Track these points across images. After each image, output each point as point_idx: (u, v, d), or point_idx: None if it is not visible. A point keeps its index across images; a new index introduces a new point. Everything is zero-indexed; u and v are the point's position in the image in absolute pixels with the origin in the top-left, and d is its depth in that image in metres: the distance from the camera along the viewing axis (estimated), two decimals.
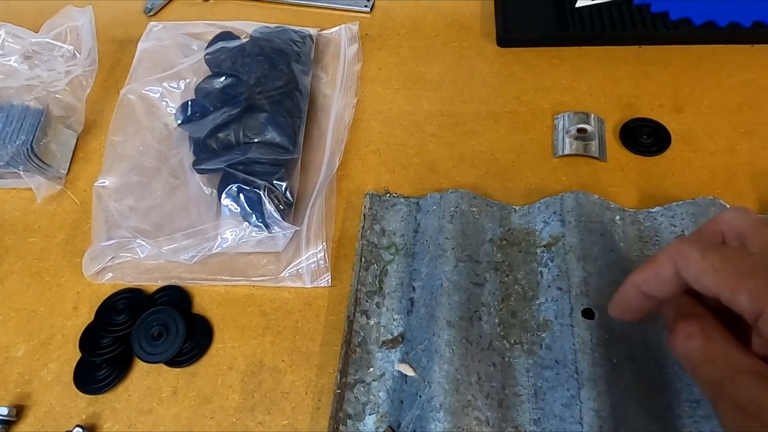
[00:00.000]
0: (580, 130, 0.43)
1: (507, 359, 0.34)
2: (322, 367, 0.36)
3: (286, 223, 0.39)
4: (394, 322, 0.36)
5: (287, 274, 0.39)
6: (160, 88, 0.48)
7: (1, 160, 0.43)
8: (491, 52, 0.50)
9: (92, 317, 0.39)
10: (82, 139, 0.49)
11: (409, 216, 0.41)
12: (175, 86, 0.48)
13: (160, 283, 0.40)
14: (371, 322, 0.36)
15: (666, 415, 0.31)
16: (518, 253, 0.38)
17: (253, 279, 0.40)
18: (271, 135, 0.42)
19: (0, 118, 0.45)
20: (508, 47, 0.50)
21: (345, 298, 0.38)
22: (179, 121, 0.45)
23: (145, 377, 0.37)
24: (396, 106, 0.48)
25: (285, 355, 0.37)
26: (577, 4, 0.50)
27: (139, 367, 0.37)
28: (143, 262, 0.41)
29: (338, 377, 0.34)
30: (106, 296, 0.40)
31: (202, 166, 0.42)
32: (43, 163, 0.45)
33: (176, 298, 0.40)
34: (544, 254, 0.37)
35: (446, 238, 0.37)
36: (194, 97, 0.47)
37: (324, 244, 0.40)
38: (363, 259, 0.38)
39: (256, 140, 0.42)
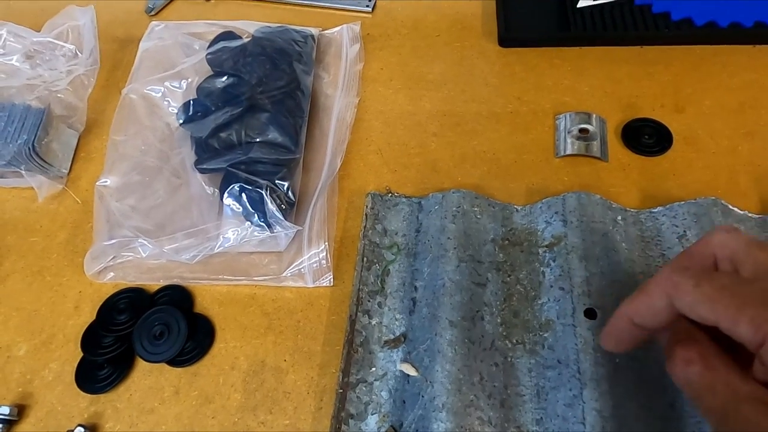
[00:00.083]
0: (581, 131, 0.43)
1: (509, 359, 0.34)
2: (324, 366, 0.36)
3: (288, 223, 0.39)
4: (396, 322, 0.36)
5: (289, 274, 0.39)
6: (162, 88, 0.48)
7: (3, 160, 0.43)
8: (493, 52, 0.50)
9: (94, 317, 0.39)
10: (83, 138, 0.49)
11: (411, 216, 0.41)
12: (177, 86, 0.48)
13: (162, 283, 0.40)
14: (373, 322, 0.36)
15: (668, 415, 0.31)
16: (520, 253, 0.38)
17: (255, 279, 0.40)
18: (273, 135, 0.42)
19: (2, 118, 0.45)
20: (509, 47, 0.50)
21: (347, 297, 0.38)
22: (181, 121, 0.46)
23: (147, 377, 0.37)
24: (398, 106, 0.48)
25: (287, 354, 0.37)
26: (579, 5, 0.50)
27: (141, 366, 0.37)
28: (145, 262, 0.41)
29: (340, 377, 0.34)
30: (108, 296, 0.40)
31: (204, 166, 0.42)
32: (45, 162, 0.45)
33: (178, 297, 0.40)
34: (546, 254, 0.37)
35: (448, 238, 0.37)
36: (196, 96, 0.47)
37: (326, 243, 0.40)
38: (365, 259, 0.38)
39: (258, 140, 0.42)
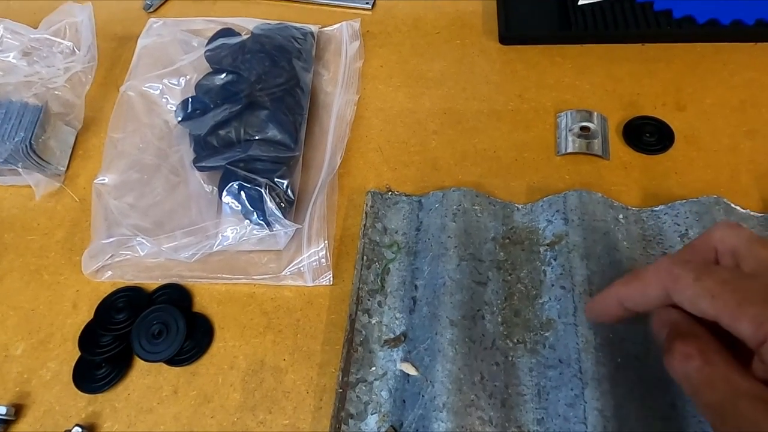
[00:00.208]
0: (583, 129, 0.43)
1: (510, 358, 0.34)
2: (324, 366, 0.36)
3: (287, 221, 0.39)
4: (397, 321, 0.36)
5: (288, 273, 0.39)
6: (160, 85, 0.48)
7: (0, 157, 0.43)
8: (493, 50, 0.50)
9: (92, 315, 0.39)
10: (81, 136, 0.49)
11: (411, 214, 0.40)
12: (176, 83, 0.48)
13: (161, 282, 0.40)
14: (373, 321, 0.36)
15: (670, 414, 0.31)
16: (521, 251, 0.38)
17: (254, 277, 0.39)
18: (272, 132, 0.42)
19: None
20: (510, 45, 0.50)
21: (347, 296, 0.38)
22: (179, 118, 0.45)
23: (145, 376, 0.37)
24: (398, 104, 0.48)
25: (286, 354, 0.37)
26: (580, 2, 0.50)
27: (139, 366, 0.37)
28: (143, 260, 0.41)
29: (340, 376, 0.34)
30: (106, 294, 0.40)
31: (203, 164, 0.42)
32: (42, 160, 0.44)
33: (176, 296, 0.39)
34: (548, 253, 0.37)
35: (449, 237, 0.37)
36: (195, 94, 0.46)
37: (325, 242, 0.39)
38: (365, 258, 0.38)
39: (257, 137, 0.42)
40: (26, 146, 0.43)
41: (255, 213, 0.39)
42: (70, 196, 0.45)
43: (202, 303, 0.39)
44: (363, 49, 0.51)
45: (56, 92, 0.48)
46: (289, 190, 0.40)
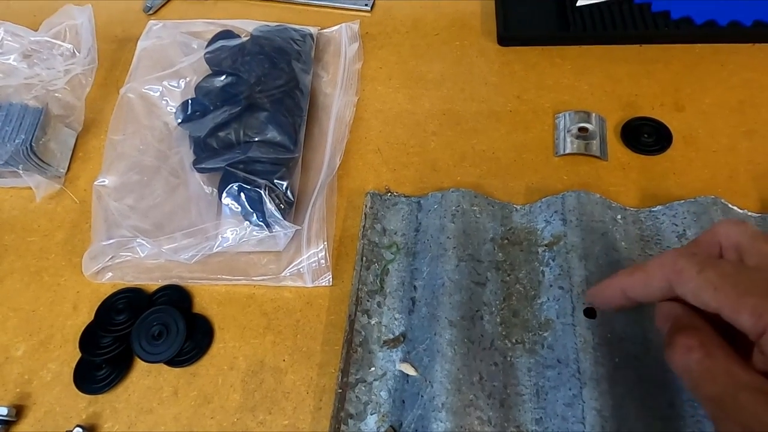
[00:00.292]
0: (581, 129, 0.43)
1: (509, 359, 0.34)
2: (324, 366, 0.36)
3: (286, 222, 0.39)
4: (396, 322, 0.36)
5: (288, 274, 0.39)
6: (160, 87, 0.48)
7: (1, 159, 0.43)
8: (492, 51, 0.50)
9: (92, 317, 0.39)
10: (81, 138, 0.49)
11: (410, 215, 0.41)
12: (175, 85, 0.48)
13: (161, 283, 0.40)
14: (372, 322, 0.36)
15: (668, 414, 0.31)
16: (520, 252, 0.38)
17: (254, 278, 0.39)
18: (272, 134, 0.42)
19: None
20: (509, 46, 0.50)
21: (346, 297, 0.38)
22: (179, 120, 0.45)
23: (146, 377, 0.37)
24: (397, 105, 0.48)
25: (286, 354, 0.37)
26: (578, 3, 0.50)
27: (140, 366, 0.37)
28: (143, 262, 0.41)
29: (339, 377, 0.34)
30: (106, 296, 0.40)
31: (203, 165, 0.42)
32: (43, 162, 0.45)
33: (176, 297, 0.39)
34: (546, 253, 0.37)
35: (447, 237, 0.37)
36: (194, 95, 0.47)
37: (325, 243, 0.40)
38: (364, 259, 0.38)
39: (256, 139, 0.42)
40: (27, 148, 0.43)
41: (254, 214, 0.39)
42: (71, 198, 0.46)
43: (202, 304, 0.39)
44: (362, 50, 0.52)
45: (56, 94, 0.48)
46: (288, 192, 0.41)
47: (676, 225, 0.37)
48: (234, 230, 0.40)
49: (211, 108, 0.44)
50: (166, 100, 0.48)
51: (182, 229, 0.41)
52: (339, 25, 0.53)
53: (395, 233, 0.40)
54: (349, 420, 0.33)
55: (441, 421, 0.30)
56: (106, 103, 0.51)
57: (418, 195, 0.42)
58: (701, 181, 0.41)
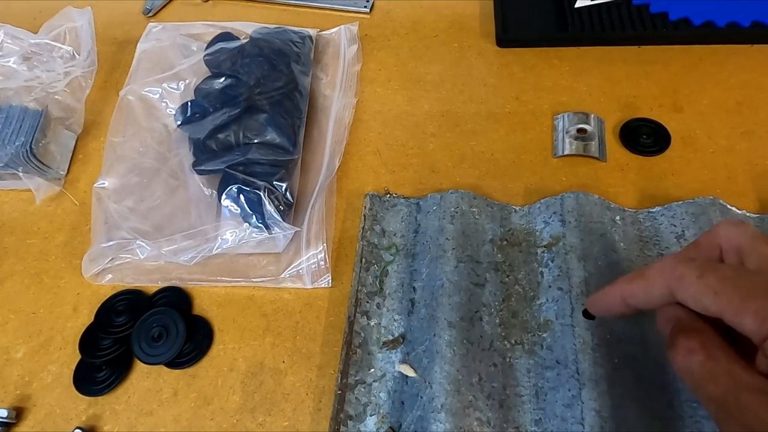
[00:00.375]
0: (579, 131, 0.43)
1: (508, 360, 0.34)
2: (323, 368, 0.36)
3: (286, 224, 0.39)
4: (395, 323, 0.36)
5: (287, 275, 0.39)
6: (160, 89, 0.48)
7: (1, 162, 0.43)
8: (491, 53, 0.50)
9: (92, 319, 0.39)
10: (81, 140, 0.49)
11: (409, 216, 0.41)
12: (175, 87, 0.48)
13: (160, 285, 0.40)
14: (372, 323, 0.36)
15: (667, 415, 0.31)
16: (519, 253, 0.38)
17: (254, 280, 0.39)
18: (271, 136, 0.42)
19: None
20: (507, 47, 0.50)
21: (345, 298, 0.38)
22: (179, 122, 0.45)
23: (145, 379, 0.37)
24: (396, 107, 0.48)
25: (285, 356, 0.37)
26: (577, 5, 0.50)
27: (139, 368, 0.37)
28: (143, 264, 0.41)
29: (339, 378, 0.34)
30: (106, 297, 0.40)
31: (202, 167, 0.42)
32: (43, 164, 0.45)
33: (176, 299, 0.40)
34: (545, 254, 0.37)
35: (447, 239, 0.37)
36: (194, 97, 0.47)
37: (324, 244, 0.40)
38: (363, 260, 0.38)
39: (255, 141, 0.42)
40: (27, 150, 0.43)
41: (254, 216, 0.39)
42: (71, 200, 0.46)
43: (202, 306, 0.39)
44: (361, 52, 0.52)
45: (56, 97, 0.48)
46: (287, 193, 0.41)
47: (675, 226, 0.37)
48: (233, 232, 0.40)
49: (211, 110, 0.44)
50: (166, 102, 0.48)
51: (182, 231, 0.41)
52: (338, 27, 0.53)
53: (394, 234, 0.40)
54: (348, 421, 0.33)
55: (440, 422, 0.31)
56: (106, 106, 0.51)
57: (417, 196, 0.42)
58: (700, 182, 0.41)
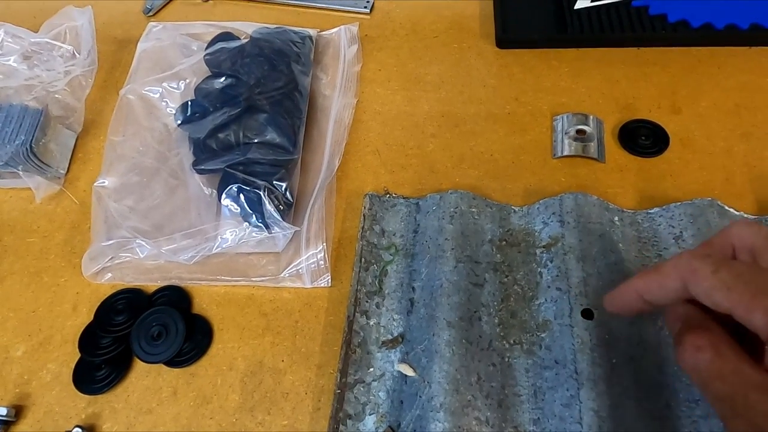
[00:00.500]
0: (578, 132, 0.43)
1: (507, 359, 0.34)
2: (322, 367, 0.36)
3: (286, 224, 0.39)
4: (394, 323, 0.36)
5: (287, 275, 0.39)
6: (160, 89, 0.48)
7: (1, 160, 0.43)
8: (490, 54, 0.51)
9: (91, 317, 0.39)
10: (81, 139, 0.49)
11: (408, 216, 0.41)
12: (175, 87, 0.48)
13: (160, 284, 0.40)
14: (371, 323, 0.36)
15: (665, 414, 0.31)
16: (518, 253, 0.38)
17: (253, 279, 0.40)
18: (271, 135, 0.42)
19: None
20: (507, 48, 0.50)
21: (345, 298, 0.38)
22: (179, 122, 0.46)
23: (145, 377, 0.37)
24: (395, 107, 0.48)
25: (285, 355, 0.37)
26: (576, 6, 0.50)
27: (139, 367, 0.37)
28: (143, 263, 0.41)
29: (338, 377, 0.34)
30: (106, 296, 0.40)
31: (202, 167, 0.42)
32: (43, 163, 0.45)
33: (176, 298, 0.40)
34: (544, 255, 0.37)
35: (446, 239, 0.37)
36: (194, 97, 0.47)
37: (324, 244, 0.40)
38: (363, 260, 0.38)
39: (255, 141, 0.42)
40: (27, 149, 0.43)
41: (254, 215, 0.39)
42: (70, 199, 0.46)
43: (202, 305, 0.39)
44: (361, 52, 0.52)
45: (56, 96, 0.48)
46: (287, 193, 0.41)
47: (673, 227, 0.38)
48: (233, 231, 0.40)
49: (211, 109, 0.44)
50: (166, 102, 0.48)
51: (182, 230, 0.41)
52: (338, 28, 0.53)
53: (394, 234, 0.40)
54: (347, 420, 0.33)
55: (439, 422, 0.31)
56: (106, 105, 0.51)
57: (416, 196, 0.42)
58: (698, 183, 0.41)
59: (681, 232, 0.37)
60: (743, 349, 0.24)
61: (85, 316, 0.40)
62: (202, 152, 0.43)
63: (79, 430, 0.34)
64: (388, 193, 0.42)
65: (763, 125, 0.43)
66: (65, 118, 0.48)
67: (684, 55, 0.48)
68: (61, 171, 0.46)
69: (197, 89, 0.47)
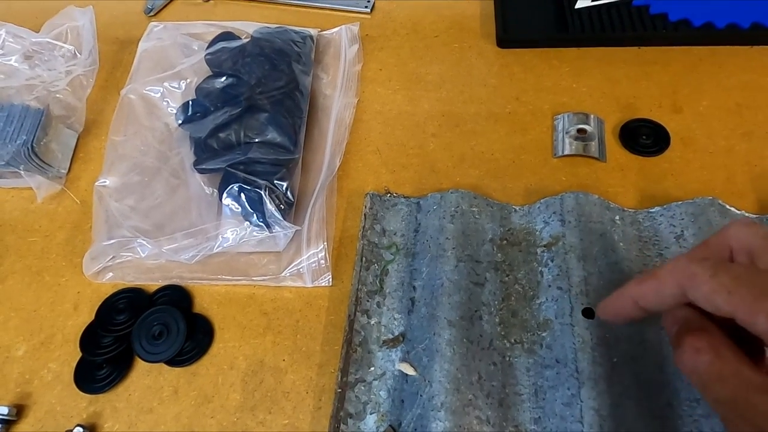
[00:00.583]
0: (579, 131, 0.43)
1: (507, 358, 0.34)
2: (323, 366, 0.36)
3: (286, 223, 0.39)
4: (395, 322, 0.36)
5: (288, 274, 0.39)
6: (161, 88, 0.48)
7: (2, 160, 0.43)
8: (491, 53, 0.51)
9: (93, 317, 0.39)
10: (82, 138, 0.49)
11: (409, 216, 0.41)
12: (176, 86, 0.48)
13: (161, 283, 0.40)
14: (372, 322, 0.36)
15: (665, 413, 0.31)
16: (518, 252, 0.38)
17: (254, 278, 0.40)
18: (272, 135, 0.42)
19: (0, 118, 0.45)
20: (507, 48, 0.50)
21: (346, 297, 0.38)
22: (180, 121, 0.46)
23: (146, 377, 0.37)
24: (396, 107, 0.48)
25: (286, 354, 0.37)
26: (577, 6, 0.50)
27: (140, 366, 0.37)
28: (144, 262, 0.41)
29: (339, 376, 0.34)
30: (107, 296, 0.40)
31: (203, 166, 0.43)
32: (44, 162, 0.45)
33: (177, 297, 0.40)
34: (545, 254, 0.37)
35: (447, 238, 0.37)
36: (195, 97, 0.47)
37: (325, 243, 0.40)
38: (364, 259, 0.38)
39: (256, 140, 0.42)
40: (28, 149, 0.43)
41: (255, 215, 0.39)
42: (72, 199, 0.46)
43: (203, 304, 0.39)
44: (362, 52, 0.52)
45: (58, 95, 0.48)
46: (288, 192, 0.41)
47: (674, 226, 0.37)
48: (234, 230, 0.40)
49: (212, 109, 0.44)
50: (167, 102, 0.48)
51: (183, 230, 0.41)
52: (339, 27, 0.53)
53: (395, 234, 0.40)
54: (348, 419, 0.33)
55: (440, 421, 0.31)
56: (107, 104, 0.51)
57: (417, 196, 0.42)
58: (699, 183, 0.41)
59: (682, 231, 0.37)
60: (742, 352, 0.23)
61: (86, 316, 0.40)
62: (203, 152, 0.43)
63: (81, 429, 0.34)
64: (389, 192, 0.42)
65: (764, 124, 0.43)
66: (66, 118, 0.48)
67: (685, 55, 0.48)
68: (63, 171, 0.47)
69: (198, 89, 0.47)
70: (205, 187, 0.43)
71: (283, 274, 0.39)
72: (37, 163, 0.44)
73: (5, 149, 0.43)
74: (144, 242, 0.40)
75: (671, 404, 0.31)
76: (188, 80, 0.48)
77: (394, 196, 0.42)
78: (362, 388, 0.34)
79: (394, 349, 0.35)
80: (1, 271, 0.42)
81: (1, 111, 0.45)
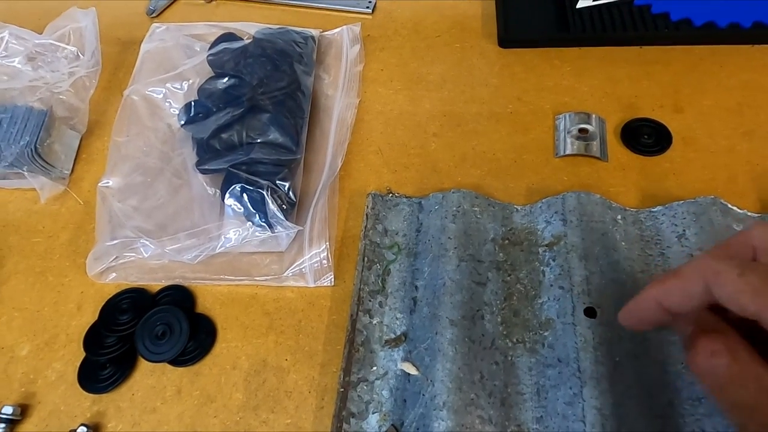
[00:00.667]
0: (581, 131, 0.43)
1: (509, 358, 0.34)
2: (326, 366, 0.36)
3: (289, 223, 0.39)
4: (397, 321, 0.37)
5: (290, 274, 0.39)
6: (164, 89, 0.48)
7: (5, 161, 0.43)
8: (492, 53, 0.51)
9: (96, 317, 0.39)
10: (85, 139, 0.49)
11: (411, 216, 0.41)
12: (178, 87, 0.48)
13: (164, 283, 0.40)
14: (374, 321, 0.37)
15: (668, 413, 0.31)
16: (520, 252, 0.38)
17: (257, 278, 0.40)
18: (274, 135, 0.42)
19: (4, 119, 0.45)
20: (509, 48, 0.50)
21: (348, 297, 0.38)
22: (182, 122, 0.46)
23: (149, 376, 0.37)
24: (398, 107, 0.48)
25: (288, 354, 0.37)
26: (578, 5, 0.50)
27: (143, 366, 0.37)
28: (147, 262, 0.41)
29: (341, 376, 0.34)
30: (110, 296, 0.40)
31: (206, 167, 0.43)
32: (47, 163, 0.45)
33: (180, 297, 0.40)
34: (546, 253, 0.37)
35: (449, 238, 0.37)
36: (197, 97, 0.47)
37: (327, 243, 0.40)
38: (366, 259, 0.39)
39: (259, 140, 0.43)
40: (31, 150, 0.44)
41: (257, 215, 0.40)
42: (75, 199, 0.46)
43: (205, 304, 0.40)
44: (363, 52, 0.52)
45: (61, 97, 0.48)
46: (290, 193, 0.41)
47: (676, 225, 0.38)
48: (237, 231, 0.40)
49: (214, 110, 0.44)
50: (170, 102, 0.48)
51: (185, 230, 0.41)
52: (340, 28, 0.53)
53: (396, 234, 0.40)
54: (350, 419, 0.33)
55: (442, 420, 0.31)
56: (110, 105, 0.51)
57: (419, 196, 0.42)
58: (701, 182, 0.41)
59: (684, 230, 0.37)
60: (759, 355, 0.23)
61: (89, 316, 0.40)
62: (206, 152, 0.43)
63: (84, 428, 0.35)
64: (390, 192, 0.42)
65: (766, 124, 0.43)
66: (69, 119, 0.48)
67: (686, 54, 0.48)
68: (66, 171, 0.47)
69: (200, 90, 0.47)
70: (208, 188, 0.43)
71: (285, 274, 0.39)
72: (40, 164, 0.44)
73: (9, 150, 0.43)
74: (147, 242, 0.41)
75: (673, 403, 0.32)
76: (190, 81, 0.48)
77: (396, 196, 0.42)
78: (365, 387, 0.34)
79: (397, 349, 0.35)
80: (4, 272, 0.43)
81: (5, 112, 0.45)
